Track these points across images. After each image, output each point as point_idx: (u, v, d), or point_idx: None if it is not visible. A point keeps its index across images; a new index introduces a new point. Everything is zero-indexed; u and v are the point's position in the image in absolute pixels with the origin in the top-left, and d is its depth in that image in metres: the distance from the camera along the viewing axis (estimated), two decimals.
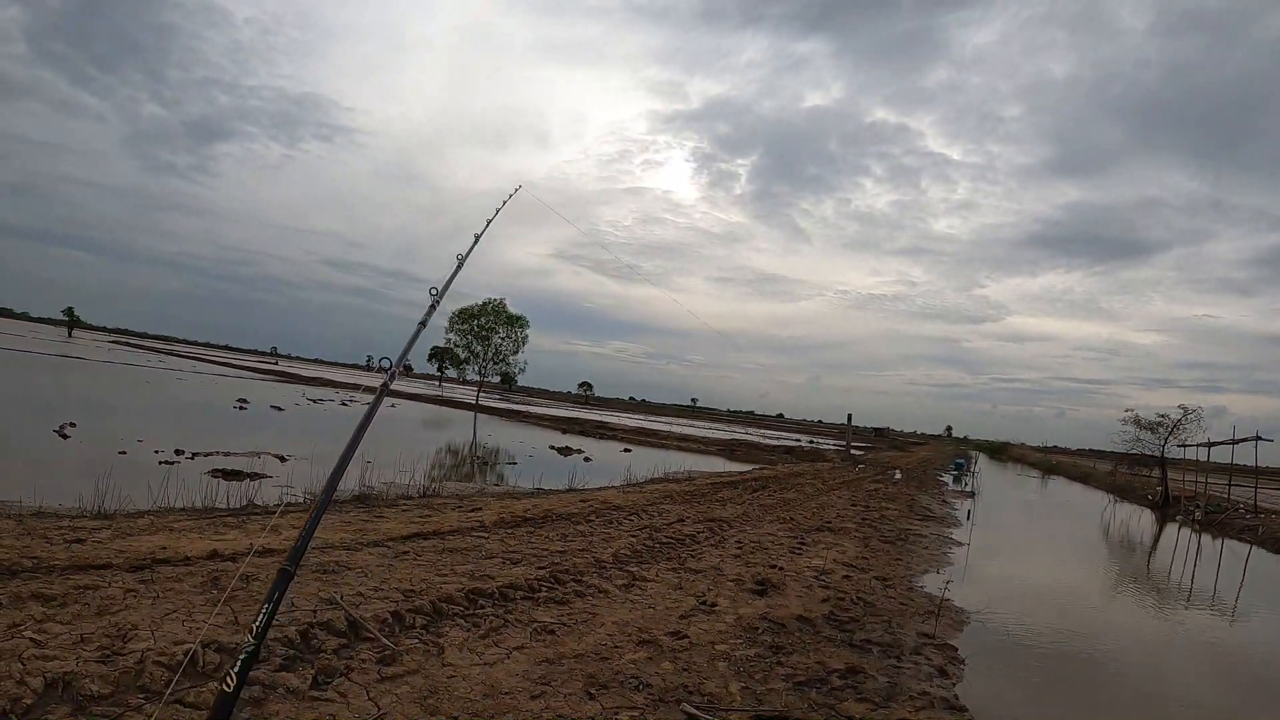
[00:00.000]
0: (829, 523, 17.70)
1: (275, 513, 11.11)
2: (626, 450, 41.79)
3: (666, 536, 13.07)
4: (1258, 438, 34.13)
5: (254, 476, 16.27)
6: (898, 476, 36.13)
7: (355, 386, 69.50)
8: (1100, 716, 8.26)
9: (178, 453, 18.79)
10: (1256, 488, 34.01)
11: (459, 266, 5.44)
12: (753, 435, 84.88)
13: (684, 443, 55.19)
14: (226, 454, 19.44)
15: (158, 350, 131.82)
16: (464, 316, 65.47)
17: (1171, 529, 30.61)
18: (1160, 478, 40.63)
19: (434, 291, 5.07)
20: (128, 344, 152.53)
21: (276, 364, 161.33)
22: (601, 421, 71.42)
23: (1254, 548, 25.34)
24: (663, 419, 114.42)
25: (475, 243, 5.61)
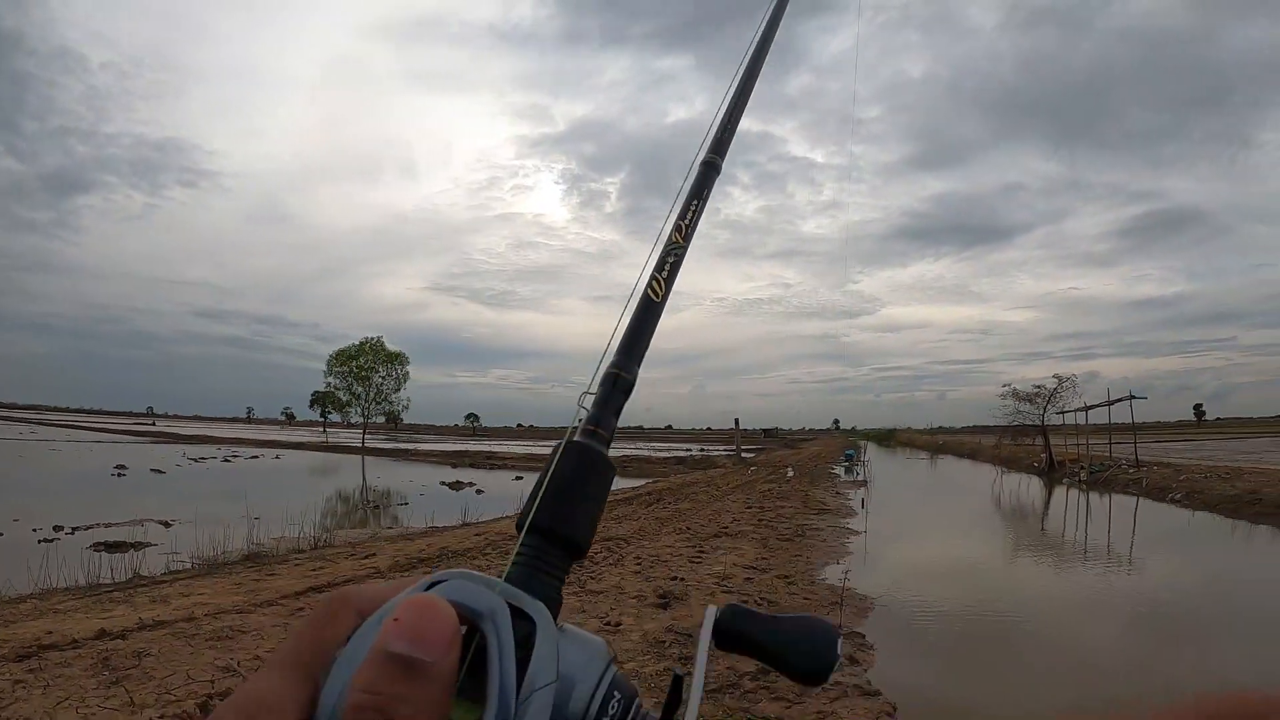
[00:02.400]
0: (726, 528, 18.01)
1: (163, 582, 10.88)
2: (518, 478, 41.56)
3: None
4: (1131, 396, 36.09)
5: (138, 546, 15.78)
6: (790, 474, 36.81)
7: (239, 441, 67.44)
8: (1011, 677, 8.68)
9: (57, 529, 18.09)
10: (1136, 443, 35.94)
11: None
12: (643, 450, 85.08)
13: None
14: (108, 525, 18.80)
15: (27, 420, 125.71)
16: (342, 359, 64.37)
17: (1060, 492, 32.06)
18: (1043, 445, 42.54)
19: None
20: None
21: (154, 424, 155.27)
22: (491, 452, 70.78)
23: (1140, 499, 26.75)
24: (553, 442, 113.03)
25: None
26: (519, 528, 0.66)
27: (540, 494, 0.75)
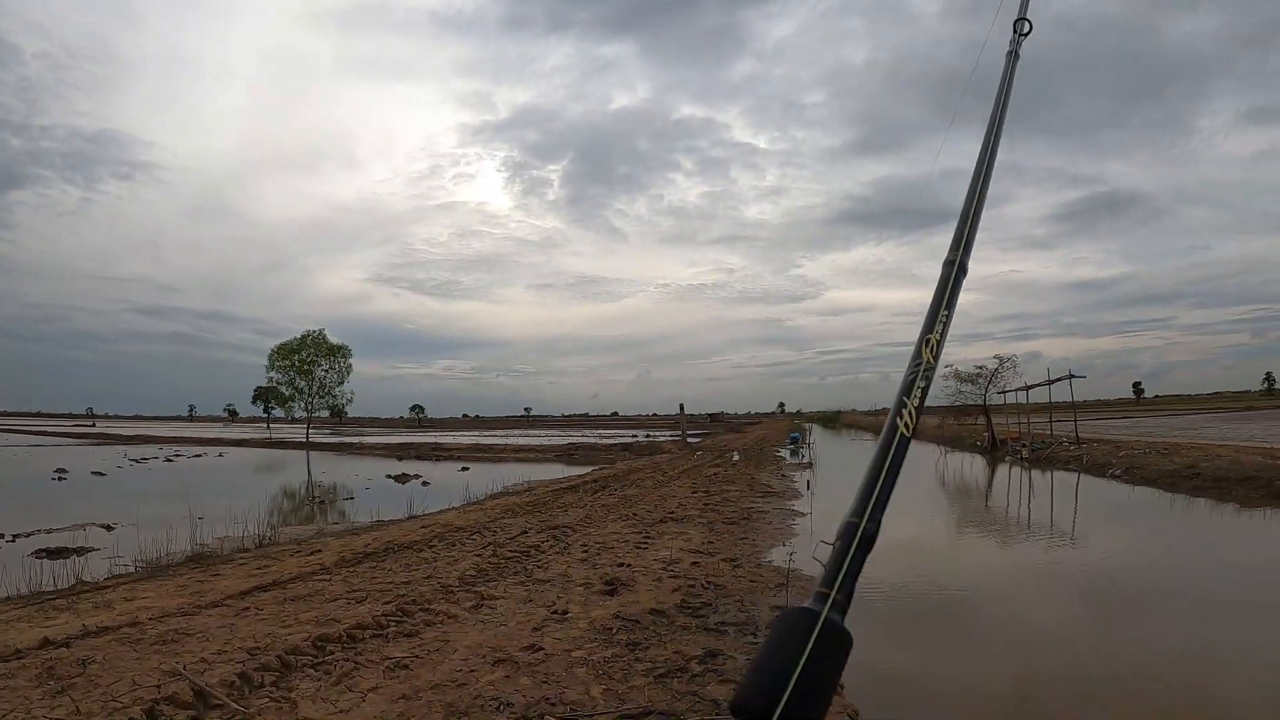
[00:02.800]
0: (672, 513, 18.18)
1: (107, 587, 10.80)
2: (464, 469, 41.51)
3: (511, 551, 13.24)
4: (1070, 375, 36.92)
5: (80, 551, 15.61)
6: (736, 458, 37.12)
7: (180, 440, 66.22)
8: (956, 650, 8.90)
9: None
10: (1076, 421, 36.81)
11: None
12: (589, 437, 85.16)
13: (521, 453, 55.28)
14: (49, 530, 18.47)
15: None
16: (283, 353, 63.49)
17: (1003, 469, 32.75)
18: (986, 424, 43.40)
19: None
20: None
21: (94, 425, 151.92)
22: (437, 443, 70.37)
23: (1081, 475, 27.40)
24: (498, 432, 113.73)
25: None
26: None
27: (790, 690, 0.73)
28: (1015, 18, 3.23)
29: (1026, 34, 3.26)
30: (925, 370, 2.24)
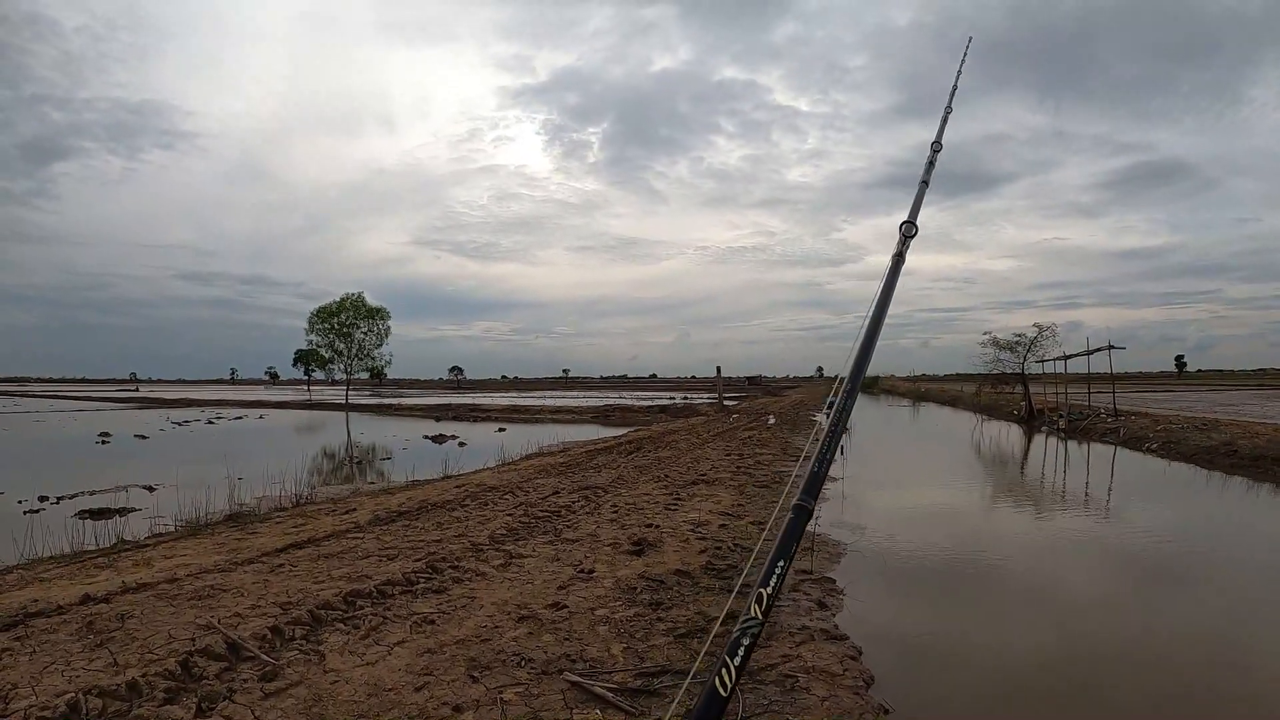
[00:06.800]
0: (704, 475, 18.23)
1: (147, 546, 11.05)
2: (501, 430, 41.83)
3: (542, 511, 13.38)
4: (1110, 346, 36.33)
5: (122, 512, 15.95)
6: (771, 421, 37.09)
7: (224, 402, 67.09)
8: (981, 620, 8.83)
9: (42, 499, 18.18)
10: (1114, 393, 36.28)
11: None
12: (626, 399, 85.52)
13: (558, 414, 55.58)
14: (92, 493, 18.90)
15: (10, 393, 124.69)
16: (323, 315, 63.95)
17: (1039, 440, 32.36)
18: (1023, 393, 42.98)
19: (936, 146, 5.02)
20: None
21: (137, 390, 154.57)
22: (474, 404, 71.06)
23: (1117, 448, 27.03)
24: (536, 394, 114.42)
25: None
26: None
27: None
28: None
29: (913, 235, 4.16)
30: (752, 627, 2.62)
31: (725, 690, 2.49)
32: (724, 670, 2.49)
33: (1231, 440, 23.20)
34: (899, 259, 4.24)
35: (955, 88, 5.55)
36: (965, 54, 5.87)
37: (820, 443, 3.43)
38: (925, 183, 4.79)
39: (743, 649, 2.70)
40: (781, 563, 2.94)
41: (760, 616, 2.81)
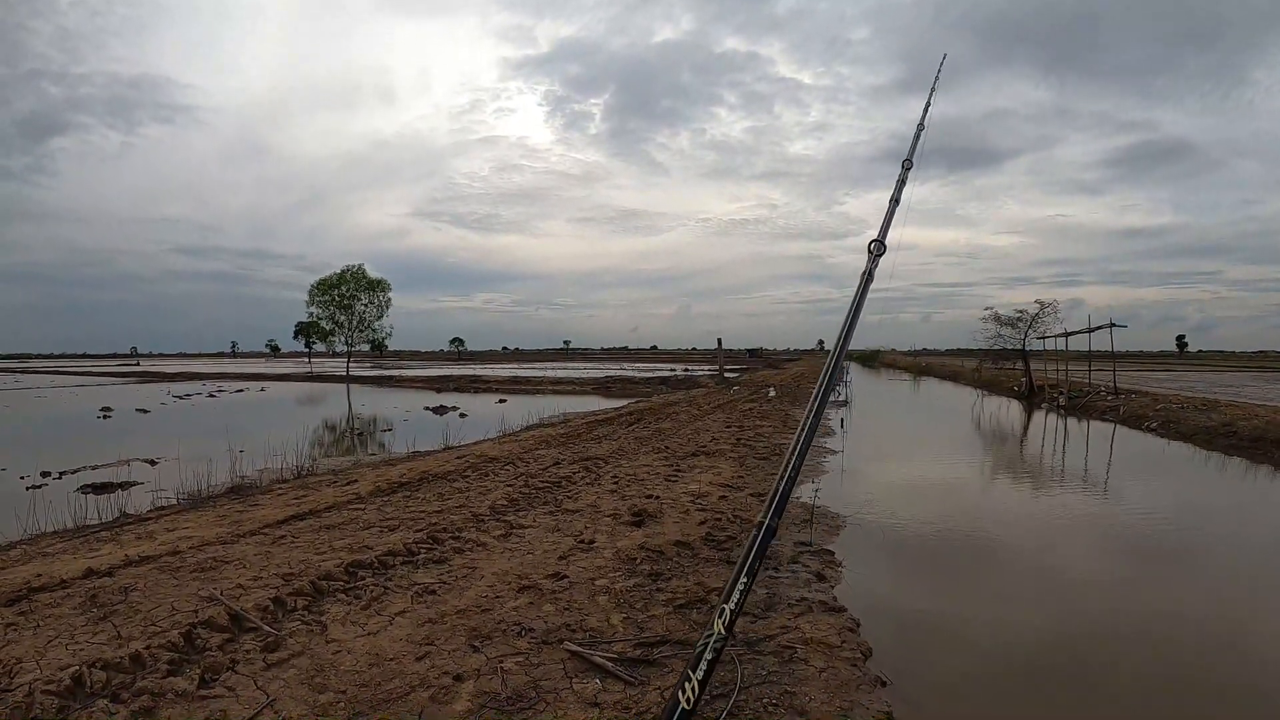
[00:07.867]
0: (704, 447, 18.28)
1: (149, 519, 11.10)
2: (502, 401, 41.88)
3: (542, 481, 13.44)
4: (1111, 324, 36.23)
5: (125, 486, 15.97)
6: (771, 394, 37.07)
7: (224, 376, 67.25)
8: (977, 593, 8.88)
9: (44, 475, 18.18)
10: (1115, 371, 36.30)
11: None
12: (627, 370, 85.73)
13: (559, 386, 55.72)
14: (95, 467, 18.91)
15: (11, 371, 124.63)
16: (324, 288, 64.01)
17: (1039, 416, 32.37)
18: (1023, 369, 42.96)
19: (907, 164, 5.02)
20: None
21: (138, 365, 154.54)
22: (475, 375, 71.04)
23: (1116, 426, 27.04)
24: (537, 365, 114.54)
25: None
26: None
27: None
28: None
29: (881, 254, 4.07)
30: (715, 642, 2.62)
31: (689, 704, 2.52)
32: (686, 684, 2.53)
33: (1231, 421, 23.16)
34: (868, 277, 4.22)
35: (929, 105, 5.54)
36: (938, 76, 5.84)
37: (784, 461, 3.52)
38: (896, 201, 4.76)
39: (705, 663, 2.73)
40: (745, 579, 3.01)
41: (724, 631, 2.86)
